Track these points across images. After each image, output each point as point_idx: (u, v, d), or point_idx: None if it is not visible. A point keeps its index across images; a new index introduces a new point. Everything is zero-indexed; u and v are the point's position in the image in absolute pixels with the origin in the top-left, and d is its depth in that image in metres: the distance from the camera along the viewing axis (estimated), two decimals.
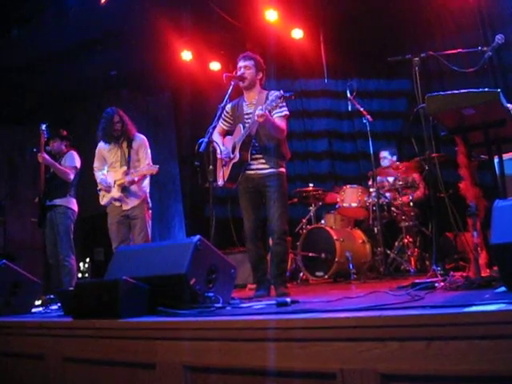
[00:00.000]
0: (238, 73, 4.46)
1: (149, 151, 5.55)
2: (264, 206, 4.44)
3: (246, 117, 4.46)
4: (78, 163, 6.24)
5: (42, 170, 6.13)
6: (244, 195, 4.49)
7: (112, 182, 5.41)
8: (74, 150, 6.37)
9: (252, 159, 4.38)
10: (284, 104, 4.36)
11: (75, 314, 3.02)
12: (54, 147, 6.30)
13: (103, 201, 5.50)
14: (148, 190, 5.57)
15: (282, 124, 4.34)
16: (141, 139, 5.56)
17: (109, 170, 5.54)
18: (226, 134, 4.69)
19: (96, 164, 5.64)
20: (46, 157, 6.06)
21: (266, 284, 4.36)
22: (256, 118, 4.13)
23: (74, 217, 6.19)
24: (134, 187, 5.40)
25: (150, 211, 5.53)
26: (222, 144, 4.55)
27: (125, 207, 5.40)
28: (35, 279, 4.18)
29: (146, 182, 5.55)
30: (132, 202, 5.39)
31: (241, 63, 4.48)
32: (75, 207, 6.19)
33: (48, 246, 6.11)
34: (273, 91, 4.26)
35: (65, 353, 2.96)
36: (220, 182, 4.49)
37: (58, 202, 6.08)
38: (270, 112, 4.23)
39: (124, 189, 5.36)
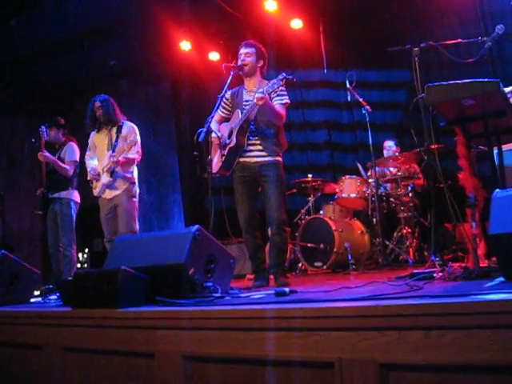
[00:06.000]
0: (239, 59, 4.44)
1: (138, 138, 5.50)
2: (260, 196, 4.41)
3: (244, 103, 4.41)
4: (77, 156, 6.22)
5: (42, 164, 6.14)
6: (240, 185, 4.43)
7: (101, 169, 5.43)
8: (72, 140, 6.36)
9: (249, 144, 4.35)
10: (285, 91, 4.35)
11: (74, 303, 3.03)
12: (51, 136, 6.29)
13: (95, 191, 5.51)
14: (136, 178, 5.54)
15: (281, 110, 4.32)
16: (130, 126, 5.54)
17: (99, 159, 5.54)
18: (223, 121, 4.63)
19: (88, 152, 5.68)
20: (47, 154, 6.07)
21: (264, 274, 4.36)
22: (255, 100, 4.10)
23: (77, 208, 6.21)
24: (121, 172, 5.39)
25: (136, 199, 5.48)
26: (218, 131, 4.50)
27: (109, 196, 5.40)
28: (34, 269, 4.18)
29: (133, 169, 5.53)
30: (119, 188, 5.38)
31: (242, 50, 4.46)
32: (78, 199, 6.22)
33: (50, 237, 6.13)
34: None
35: (64, 342, 2.96)
36: (214, 169, 4.44)
37: (60, 194, 6.10)
38: (270, 96, 4.21)
39: (112, 173, 5.36)
